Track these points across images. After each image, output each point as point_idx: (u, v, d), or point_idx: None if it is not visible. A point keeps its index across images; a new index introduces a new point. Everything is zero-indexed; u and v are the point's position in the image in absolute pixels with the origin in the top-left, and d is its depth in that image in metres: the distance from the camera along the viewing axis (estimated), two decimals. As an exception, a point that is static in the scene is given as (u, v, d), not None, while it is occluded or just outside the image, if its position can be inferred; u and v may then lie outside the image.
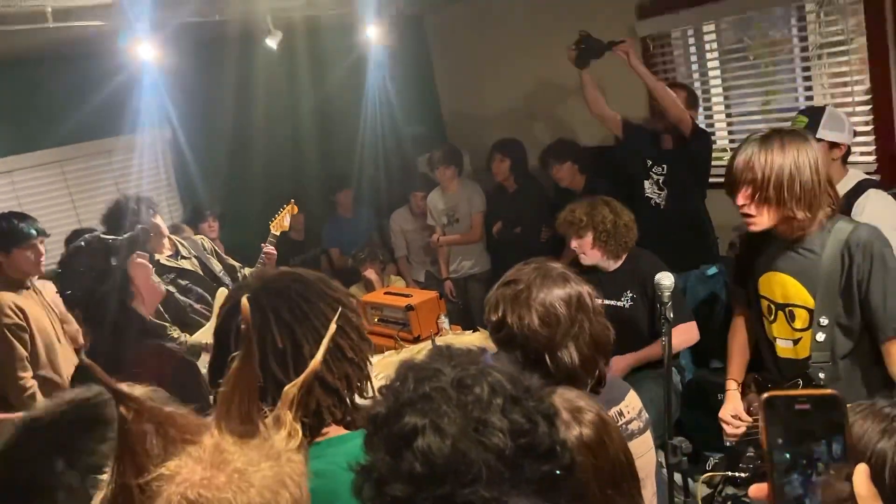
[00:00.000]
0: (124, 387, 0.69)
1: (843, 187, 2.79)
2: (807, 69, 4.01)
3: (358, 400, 1.35)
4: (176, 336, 3.34)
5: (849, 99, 3.77)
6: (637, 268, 3.27)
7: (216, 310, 3.63)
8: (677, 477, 2.47)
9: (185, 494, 0.67)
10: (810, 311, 2.12)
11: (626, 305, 3.30)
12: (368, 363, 1.39)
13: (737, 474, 2.36)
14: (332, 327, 0.98)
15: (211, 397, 1.37)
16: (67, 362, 3.40)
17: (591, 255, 3.30)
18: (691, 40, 4.57)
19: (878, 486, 0.72)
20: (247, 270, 4.03)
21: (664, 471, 2.32)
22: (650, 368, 3.20)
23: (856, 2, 3.59)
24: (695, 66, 4.61)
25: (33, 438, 1.04)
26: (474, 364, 0.93)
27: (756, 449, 2.33)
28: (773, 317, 2.24)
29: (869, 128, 3.69)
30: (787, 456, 0.73)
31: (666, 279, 2.22)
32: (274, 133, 5.51)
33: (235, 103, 5.15)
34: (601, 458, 1.21)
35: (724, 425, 2.32)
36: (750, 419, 2.31)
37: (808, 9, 3.92)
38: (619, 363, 3.12)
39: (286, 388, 0.80)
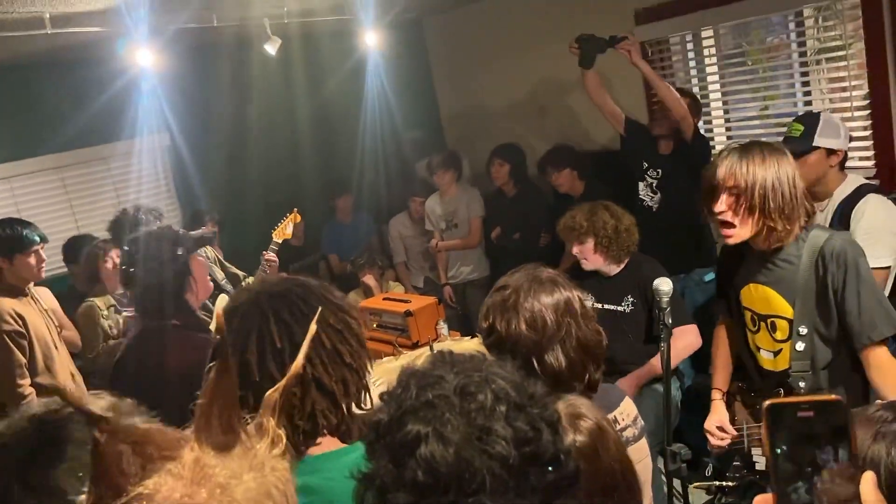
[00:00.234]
0: (95, 408, 0.67)
1: (841, 192, 2.80)
2: (805, 74, 4.01)
3: (355, 410, 1.34)
4: None
5: (847, 104, 3.77)
6: (638, 273, 3.27)
7: (216, 315, 3.64)
8: (676, 483, 2.46)
9: None
10: (790, 322, 2.14)
11: (627, 310, 3.29)
12: (367, 372, 1.39)
13: (724, 483, 2.36)
14: (313, 327, 0.96)
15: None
16: (64, 369, 3.40)
17: (592, 260, 3.29)
18: (690, 45, 4.57)
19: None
20: (250, 279, 4.04)
21: (664, 477, 2.31)
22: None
23: (854, 7, 3.59)
24: (693, 72, 4.61)
25: None
26: (477, 371, 0.92)
27: (742, 458, 2.33)
28: (756, 328, 2.26)
29: (867, 133, 3.69)
30: (792, 464, 0.72)
31: (664, 285, 2.21)
32: (273, 138, 5.52)
33: (234, 109, 5.16)
34: (592, 466, 1.21)
35: (709, 437, 2.32)
36: (734, 431, 2.31)
37: (806, 14, 3.92)
38: (625, 385, 3.10)
39: (267, 393, 0.79)
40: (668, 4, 4.34)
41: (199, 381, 1.36)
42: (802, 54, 4.00)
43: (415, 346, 3.89)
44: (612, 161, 4.59)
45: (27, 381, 3.23)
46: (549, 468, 0.87)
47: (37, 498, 0.94)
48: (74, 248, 4.21)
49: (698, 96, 4.42)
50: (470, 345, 3.60)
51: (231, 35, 4.51)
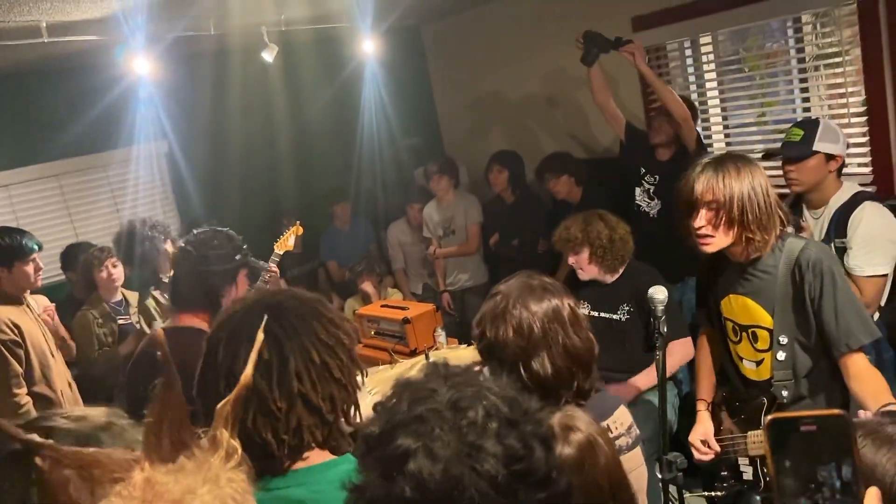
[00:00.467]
0: (35, 436, 0.66)
1: (837, 200, 2.80)
2: (804, 81, 4.01)
3: (343, 426, 1.33)
4: None
5: (844, 111, 3.76)
6: (634, 281, 3.26)
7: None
8: (673, 491, 2.45)
9: None
10: (770, 331, 2.16)
11: (623, 318, 3.29)
12: (357, 388, 1.38)
13: (713, 493, 2.35)
14: (260, 336, 0.95)
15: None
16: (61, 378, 3.39)
17: (588, 270, 3.29)
18: (688, 52, 4.57)
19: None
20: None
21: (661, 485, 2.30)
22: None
23: (851, 13, 3.59)
24: (692, 78, 4.61)
25: None
26: (471, 385, 0.91)
27: (730, 468, 2.33)
28: (737, 338, 2.28)
29: (865, 139, 3.69)
30: (795, 479, 0.71)
31: (659, 293, 2.21)
32: (271, 145, 5.53)
33: (232, 116, 5.17)
34: (578, 480, 1.20)
35: (694, 450, 2.32)
36: (717, 447, 2.32)
37: (804, 20, 3.92)
38: (623, 392, 3.09)
39: (218, 406, 0.77)
40: (665, 11, 4.34)
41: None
42: (801, 60, 4.00)
43: (413, 353, 3.89)
44: (609, 168, 4.59)
45: (24, 390, 3.22)
46: (540, 486, 0.86)
47: None
48: (72, 256, 4.21)
49: (696, 103, 4.43)
50: (467, 352, 3.60)
51: (228, 43, 4.51)
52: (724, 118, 4.52)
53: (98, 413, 1.07)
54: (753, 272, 2.15)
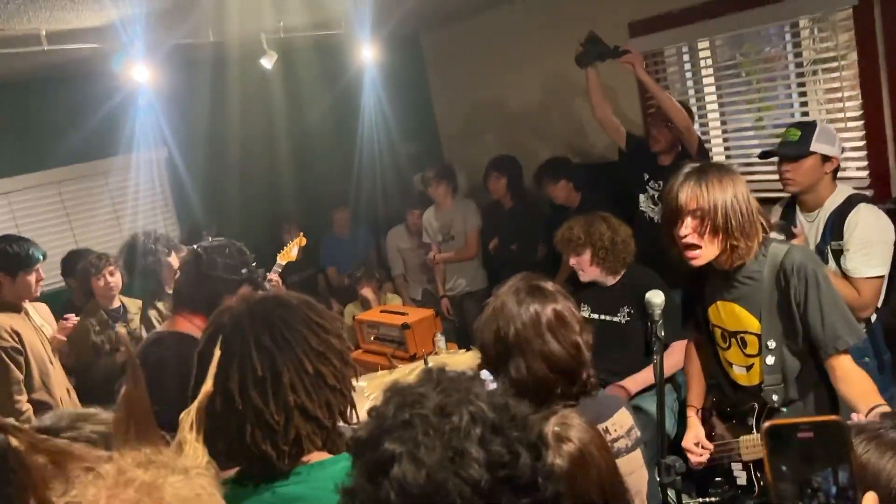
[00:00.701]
0: (9, 420, 0.68)
1: (832, 203, 2.82)
2: (802, 85, 4.02)
3: (342, 426, 1.34)
4: None
5: (842, 115, 3.77)
6: (634, 284, 3.27)
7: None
8: (672, 495, 2.45)
9: None
10: (759, 336, 2.17)
11: (623, 321, 3.29)
12: (353, 389, 1.38)
13: (708, 500, 2.36)
14: (216, 360, 0.95)
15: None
16: (60, 385, 3.40)
17: (589, 271, 3.30)
18: (686, 57, 4.58)
19: None
20: None
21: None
22: (646, 388, 3.18)
23: (847, 18, 3.60)
24: (690, 83, 4.62)
25: None
26: (460, 390, 0.92)
27: (723, 474, 2.34)
28: (727, 344, 2.29)
29: (862, 143, 3.69)
30: (793, 485, 0.72)
31: (656, 297, 2.21)
32: (270, 152, 5.55)
33: (231, 123, 5.19)
34: (569, 491, 1.20)
35: (689, 454, 2.33)
36: (711, 445, 2.32)
37: (802, 25, 3.93)
38: (618, 390, 3.10)
39: (181, 415, 0.79)
40: (662, 16, 4.35)
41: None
42: (798, 65, 4.01)
43: (412, 358, 3.90)
44: (607, 172, 4.60)
45: (24, 397, 3.23)
46: (524, 492, 0.86)
47: None
48: (72, 263, 4.22)
49: (695, 108, 4.45)
50: (466, 357, 3.60)
51: (227, 50, 4.53)
52: (723, 123, 4.53)
53: (102, 418, 1.09)
54: (739, 278, 2.16)
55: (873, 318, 2.79)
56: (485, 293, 5.14)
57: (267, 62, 4.23)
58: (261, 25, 4.05)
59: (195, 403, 0.82)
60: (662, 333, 2.21)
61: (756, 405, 2.23)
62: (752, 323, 2.18)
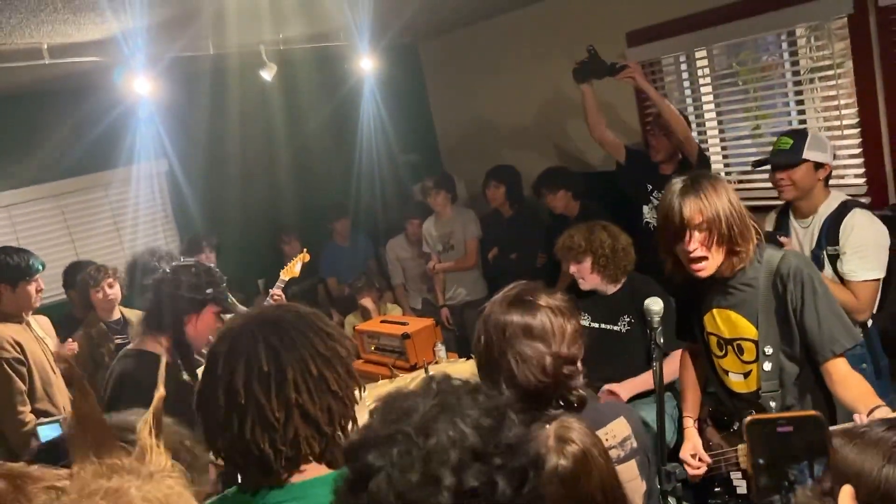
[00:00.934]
0: None
1: (827, 208, 2.86)
2: (799, 93, 4.04)
3: (341, 440, 1.35)
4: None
5: (839, 122, 3.79)
6: (634, 292, 3.27)
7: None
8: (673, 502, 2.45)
9: None
10: (756, 343, 2.18)
11: (623, 330, 3.29)
12: (355, 402, 1.39)
13: None
14: (164, 359, 0.96)
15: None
16: (62, 394, 3.41)
17: (590, 279, 3.30)
18: (683, 66, 4.61)
19: None
20: None
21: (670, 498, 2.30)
22: (646, 394, 3.18)
23: (842, 27, 3.63)
24: (687, 92, 4.64)
25: None
26: (450, 406, 0.90)
27: (722, 483, 2.33)
28: (723, 352, 2.29)
29: (859, 150, 3.71)
30: (772, 478, 0.73)
31: (655, 304, 2.21)
32: (270, 163, 5.56)
33: (231, 134, 5.21)
34: (571, 493, 1.21)
35: (686, 466, 2.33)
36: (708, 458, 2.32)
37: (798, 33, 3.96)
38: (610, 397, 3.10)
39: (139, 423, 0.78)
40: (660, 26, 4.38)
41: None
42: (795, 73, 4.03)
43: (412, 368, 3.90)
44: (607, 181, 4.62)
45: (27, 408, 3.25)
46: None
47: None
48: (73, 275, 4.23)
49: (692, 116, 4.47)
50: (466, 366, 3.61)
51: (227, 62, 4.56)
52: (720, 131, 4.55)
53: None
54: (735, 285, 2.17)
55: (870, 323, 2.81)
56: (484, 302, 5.14)
57: (267, 74, 4.25)
58: (260, 38, 4.07)
59: (150, 410, 0.81)
60: (662, 340, 2.21)
61: (754, 412, 2.20)
62: (748, 329, 2.18)
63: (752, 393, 2.24)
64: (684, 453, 2.35)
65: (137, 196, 5.09)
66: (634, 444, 1.70)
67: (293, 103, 5.47)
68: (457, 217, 5.27)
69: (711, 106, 4.54)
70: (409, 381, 3.56)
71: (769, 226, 3.07)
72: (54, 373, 3.40)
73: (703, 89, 4.54)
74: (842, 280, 2.77)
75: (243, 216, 5.38)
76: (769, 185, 3.08)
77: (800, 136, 2.87)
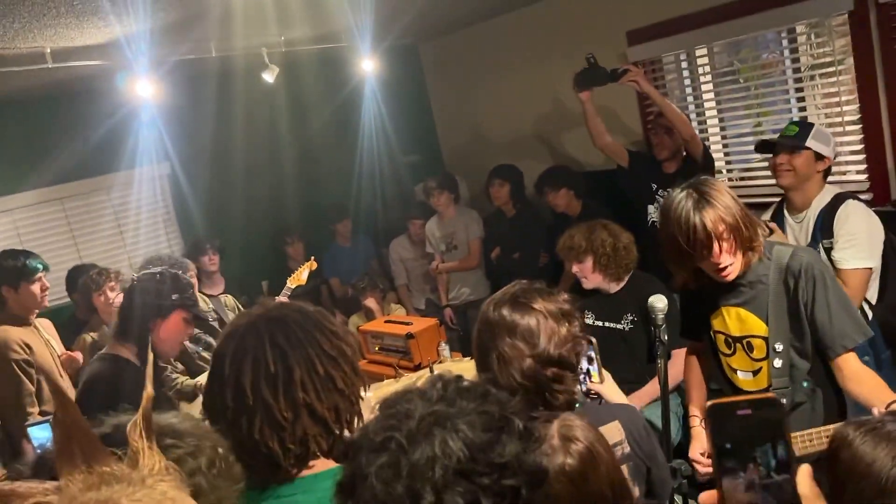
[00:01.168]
0: None
1: (820, 202, 2.90)
2: (799, 90, 4.05)
3: (347, 436, 1.36)
4: (175, 377, 3.50)
5: (840, 119, 3.80)
6: (637, 290, 3.28)
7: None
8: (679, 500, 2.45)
9: None
10: (766, 340, 2.17)
11: (626, 328, 3.30)
12: (360, 399, 1.40)
13: None
14: (150, 358, 0.96)
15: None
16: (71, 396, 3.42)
17: (592, 279, 3.31)
18: (684, 64, 4.61)
19: None
20: None
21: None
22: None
23: (843, 23, 3.63)
24: (688, 90, 4.65)
25: None
26: (449, 416, 0.88)
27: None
28: (731, 350, 2.28)
29: (860, 147, 3.72)
30: (734, 460, 0.75)
31: (659, 302, 2.23)
32: (272, 165, 5.57)
33: (233, 137, 5.21)
34: (582, 491, 1.21)
35: (696, 466, 2.33)
36: None
37: (799, 31, 3.96)
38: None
39: (129, 425, 0.77)
40: (660, 24, 4.38)
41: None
42: (796, 70, 4.04)
43: (417, 367, 3.91)
44: (609, 180, 4.62)
45: (36, 409, 3.27)
46: None
47: None
48: (76, 278, 4.24)
49: (693, 114, 4.48)
50: (470, 365, 3.61)
51: (229, 64, 4.57)
52: (722, 129, 4.56)
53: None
54: (744, 283, 2.16)
55: (870, 315, 2.83)
56: (488, 302, 5.15)
57: (269, 76, 4.27)
58: (262, 40, 4.09)
59: (140, 410, 0.79)
60: (666, 337, 2.22)
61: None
62: (758, 326, 2.18)
63: (760, 391, 2.22)
64: (693, 453, 2.34)
65: (140, 199, 5.10)
66: (626, 450, 1.70)
67: (295, 105, 5.48)
68: (460, 217, 5.28)
69: (713, 104, 4.54)
70: (414, 380, 3.57)
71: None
72: (61, 376, 3.42)
73: (703, 87, 4.55)
74: (834, 269, 2.78)
75: (246, 218, 5.39)
76: (770, 182, 3.10)
77: (806, 126, 2.94)
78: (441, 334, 4.11)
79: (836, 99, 3.81)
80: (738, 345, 2.25)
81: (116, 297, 3.93)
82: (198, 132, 5.09)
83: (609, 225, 3.35)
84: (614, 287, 3.34)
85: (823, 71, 3.87)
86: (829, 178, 3.02)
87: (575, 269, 3.34)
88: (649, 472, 1.74)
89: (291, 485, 1.30)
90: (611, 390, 2.05)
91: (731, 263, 2.07)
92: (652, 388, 3.13)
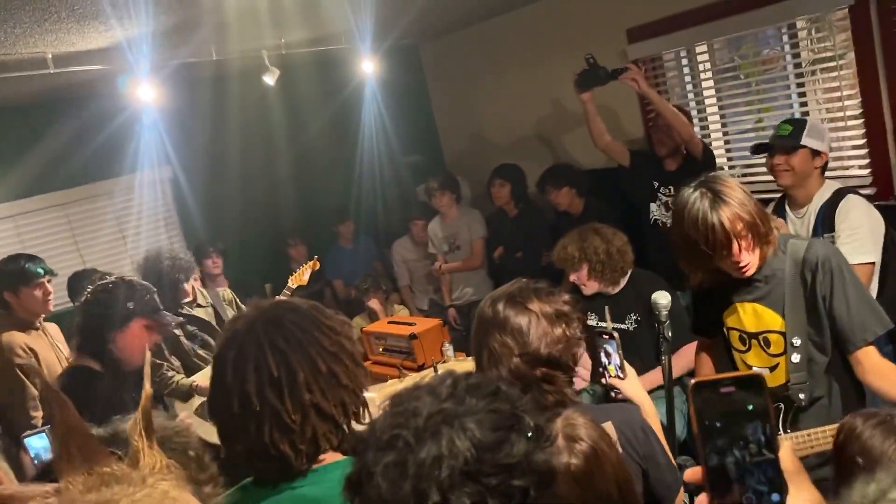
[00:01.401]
0: None
1: (821, 197, 2.91)
2: (801, 86, 4.04)
3: (355, 426, 1.36)
4: (171, 375, 3.49)
5: (842, 114, 3.79)
6: (639, 289, 3.27)
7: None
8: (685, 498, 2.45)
9: None
10: (783, 335, 2.14)
11: (631, 328, 3.30)
12: (365, 388, 1.40)
13: None
14: (148, 357, 0.95)
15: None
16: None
17: (590, 285, 3.32)
18: (684, 61, 4.60)
19: None
20: None
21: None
22: (656, 388, 3.18)
23: (843, 18, 3.63)
24: (689, 87, 4.64)
25: None
26: (457, 414, 0.87)
27: None
28: (746, 346, 2.24)
29: (863, 141, 3.71)
30: (724, 439, 0.75)
31: (662, 298, 2.22)
32: (274, 167, 5.57)
33: (234, 139, 5.22)
34: (588, 490, 1.21)
35: None
36: None
37: (799, 26, 3.96)
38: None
39: (129, 424, 0.77)
40: (660, 21, 4.38)
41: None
42: (797, 65, 4.03)
43: (420, 368, 3.91)
44: (611, 178, 4.62)
45: (40, 413, 3.27)
46: None
47: None
48: (78, 283, 4.24)
49: (694, 111, 4.47)
50: (472, 364, 3.61)
51: (230, 67, 4.57)
52: (723, 126, 4.55)
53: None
54: (760, 277, 2.13)
55: None
56: (491, 302, 5.14)
57: (269, 79, 4.27)
58: (262, 43, 4.09)
59: (139, 409, 0.79)
60: (670, 334, 2.21)
61: (782, 405, 2.17)
62: (775, 321, 2.14)
63: (779, 386, 2.18)
64: None
65: (142, 204, 5.11)
66: (619, 451, 1.69)
67: (296, 107, 5.48)
68: (462, 217, 5.28)
69: (713, 100, 4.54)
70: (418, 380, 3.56)
71: None
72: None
73: (704, 84, 4.54)
74: None
75: (249, 221, 5.40)
76: (772, 178, 3.09)
77: (799, 123, 2.93)
78: (444, 334, 4.10)
79: (838, 94, 3.80)
80: (754, 341, 2.21)
81: None
82: (199, 136, 5.10)
83: (601, 229, 3.33)
84: (614, 289, 3.34)
85: (824, 66, 3.86)
86: (832, 174, 3.03)
87: (573, 277, 3.34)
88: (647, 475, 1.72)
89: (303, 477, 1.31)
90: (632, 387, 2.03)
91: (749, 257, 2.05)
92: (653, 376, 3.13)
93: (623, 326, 3.31)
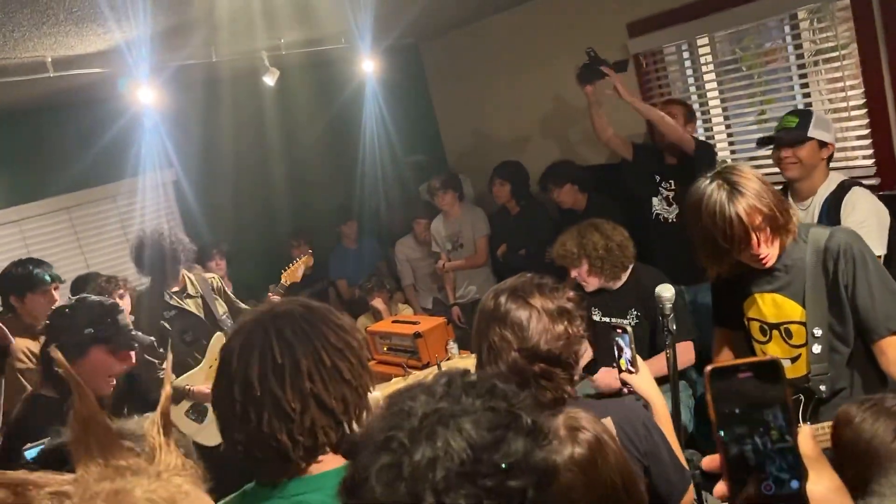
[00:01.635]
0: None
1: (825, 189, 2.88)
2: (803, 77, 4.02)
3: (356, 429, 1.36)
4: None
5: (845, 104, 3.77)
6: (640, 284, 3.26)
7: (208, 354, 3.65)
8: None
9: None
10: (805, 325, 2.11)
11: (632, 323, 3.28)
12: (368, 391, 1.40)
13: None
14: (167, 389, 0.95)
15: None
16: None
17: (591, 281, 3.30)
18: (686, 55, 4.59)
19: None
20: None
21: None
22: (660, 383, 3.17)
23: (845, 8, 3.61)
24: (691, 80, 4.63)
25: None
26: (454, 414, 0.85)
27: None
28: (766, 337, 2.21)
29: (866, 132, 3.69)
30: (736, 426, 0.74)
31: (666, 291, 2.20)
32: (277, 167, 5.58)
33: (236, 141, 5.22)
34: (592, 478, 1.21)
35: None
36: None
37: (801, 17, 3.94)
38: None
39: (146, 423, 0.77)
40: (661, 15, 4.37)
41: None
42: (799, 57, 4.01)
43: (425, 366, 3.91)
44: (613, 173, 4.61)
45: (41, 417, 3.26)
46: None
47: None
48: (81, 287, 4.24)
49: (696, 104, 4.45)
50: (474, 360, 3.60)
51: (230, 69, 4.57)
52: (726, 118, 4.53)
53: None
54: (780, 267, 2.09)
55: None
56: (496, 299, 5.13)
57: (270, 79, 4.27)
58: (263, 43, 4.09)
59: (159, 408, 0.79)
60: (674, 326, 2.19)
61: (802, 397, 2.14)
62: (796, 311, 2.11)
63: (800, 378, 2.15)
64: None
65: (145, 206, 5.11)
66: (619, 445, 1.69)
67: (297, 107, 5.48)
68: (465, 216, 5.27)
69: (716, 94, 4.52)
70: (423, 378, 3.56)
71: None
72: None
73: (706, 77, 4.52)
74: None
75: (252, 222, 5.40)
76: (776, 170, 3.07)
77: (805, 115, 2.89)
78: (449, 333, 4.10)
79: (841, 84, 3.78)
80: (775, 331, 2.18)
81: (125, 305, 3.91)
82: (201, 138, 5.10)
83: (601, 225, 3.30)
84: (616, 284, 3.32)
85: (827, 56, 3.84)
86: (836, 165, 3.00)
87: (573, 274, 3.32)
88: (650, 472, 1.71)
89: (301, 481, 1.30)
90: (643, 382, 2.00)
91: (768, 249, 2.02)
92: (655, 365, 3.11)
93: (625, 321, 3.29)
